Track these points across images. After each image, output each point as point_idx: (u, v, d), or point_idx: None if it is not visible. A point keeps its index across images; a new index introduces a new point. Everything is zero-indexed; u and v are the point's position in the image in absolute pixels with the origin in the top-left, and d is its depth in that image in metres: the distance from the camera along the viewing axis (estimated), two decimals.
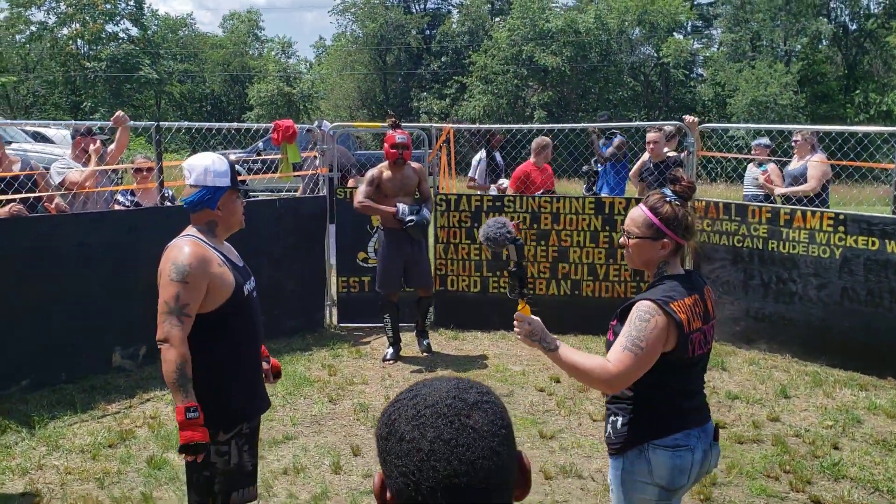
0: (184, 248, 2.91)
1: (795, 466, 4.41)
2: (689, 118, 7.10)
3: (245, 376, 3.05)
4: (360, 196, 6.34)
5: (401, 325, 6.63)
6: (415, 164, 6.51)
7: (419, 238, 6.36)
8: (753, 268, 6.58)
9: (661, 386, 2.58)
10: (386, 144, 6.32)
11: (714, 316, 2.72)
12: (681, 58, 37.28)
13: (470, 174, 8.56)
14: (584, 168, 9.03)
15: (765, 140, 8.53)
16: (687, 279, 2.67)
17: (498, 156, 8.65)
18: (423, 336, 6.68)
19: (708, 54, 40.44)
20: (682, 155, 7.56)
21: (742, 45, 37.73)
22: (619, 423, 2.63)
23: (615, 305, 2.36)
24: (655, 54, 38.56)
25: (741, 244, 6.64)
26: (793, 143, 7.66)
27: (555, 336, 2.64)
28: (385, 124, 6.62)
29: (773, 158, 8.21)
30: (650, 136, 7.63)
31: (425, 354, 6.55)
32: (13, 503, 4.02)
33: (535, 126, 8.52)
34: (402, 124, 6.55)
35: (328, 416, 5.28)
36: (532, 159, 8.00)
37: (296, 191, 8.80)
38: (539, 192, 7.51)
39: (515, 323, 2.62)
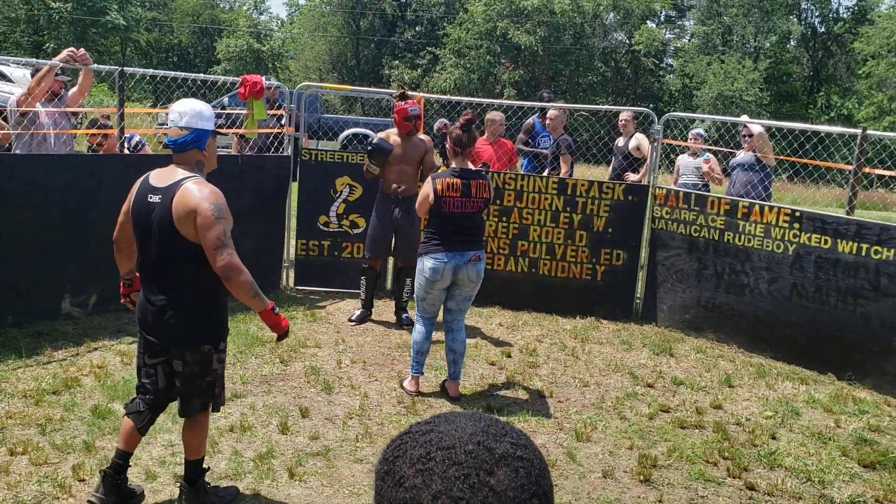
0: (206, 188, 3.24)
1: (734, 453, 4.53)
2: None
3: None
4: (366, 161, 6.35)
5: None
6: (423, 136, 6.45)
7: (377, 164, 6.20)
8: (708, 258, 6.69)
9: (439, 226, 4.77)
10: (397, 116, 6.26)
11: (476, 195, 4.78)
12: (652, 46, 37.51)
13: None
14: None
15: (700, 130, 8.76)
16: (462, 171, 4.82)
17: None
18: (402, 310, 6.63)
19: (679, 45, 40.71)
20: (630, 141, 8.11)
21: (713, 39, 38.06)
22: None
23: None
24: (627, 41, 38.73)
25: (698, 234, 6.74)
26: (743, 136, 7.76)
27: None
28: (357, 88, 6.56)
29: (724, 149, 8.35)
30: (550, 113, 8.12)
31: (405, 327, 6.46)
32: None
33: (502, 102, 8.50)
34: (370, 89, 6.51)
35: (278, 376, 5.27)
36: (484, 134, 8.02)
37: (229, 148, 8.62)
38: (478, 166, 7.45)
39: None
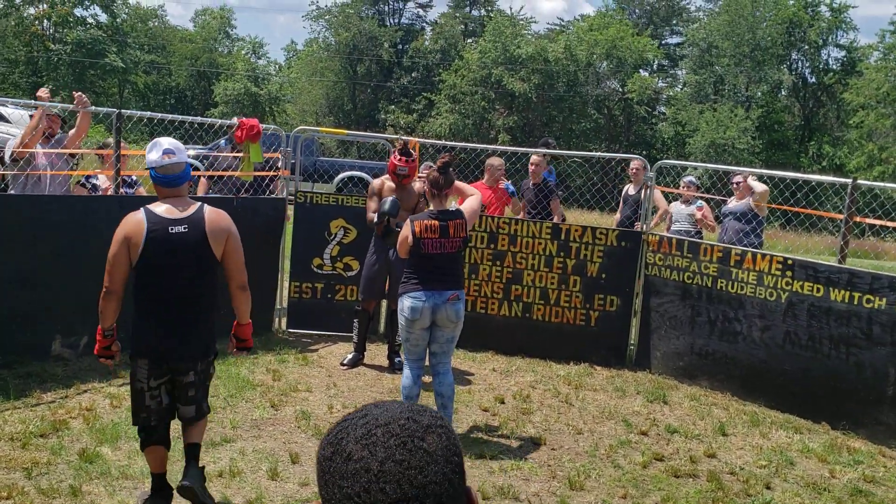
0: (224, 212, 3.70)
1: (728, 503, 4.48)
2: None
3: None
4: (368, 212, 6.36)
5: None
6: (419, 185, 6.50)
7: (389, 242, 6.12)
8: (701, 305, 6.69)
9: (418, 266, 4.86)
10: (389, 166, 6.35)
11: (455, 236, 4.85)
12: (645, 94, 37.97)
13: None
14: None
15: (692, 177, 8.83)
16: (440, 213, 4.89)
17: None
18: (395, 354, 6.57)
19: (671, 93, 41.24)
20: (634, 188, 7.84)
21: (705, 88, 38.60)
22: None
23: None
24: (620, 89, 39.21)
25: (691, 281, 6.75)
26: (734, 184, 7.84)
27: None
28: (353, 132, 6.62)
29: (716, 196, 8.42)
30: (533, 158, 8.04)
31: (398, 371, 6.36)
32: None
33: (496, 148, 8.58)
34: (366, 133, 6.57)
35: (269, 421, 5.21)
36: (484, 178, 8.09)
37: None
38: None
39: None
